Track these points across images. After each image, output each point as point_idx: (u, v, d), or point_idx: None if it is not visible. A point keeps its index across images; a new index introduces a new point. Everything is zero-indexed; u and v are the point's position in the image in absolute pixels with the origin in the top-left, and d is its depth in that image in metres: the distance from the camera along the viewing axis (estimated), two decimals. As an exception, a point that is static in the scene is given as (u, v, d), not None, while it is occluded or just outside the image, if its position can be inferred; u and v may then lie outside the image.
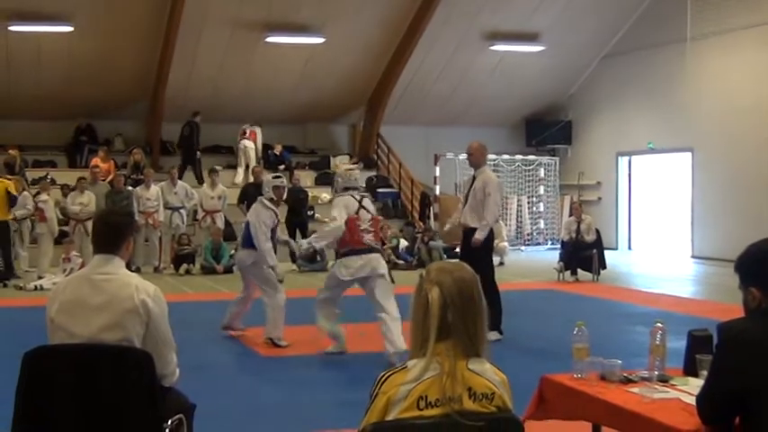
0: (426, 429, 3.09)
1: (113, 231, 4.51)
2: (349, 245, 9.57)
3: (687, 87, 22.22)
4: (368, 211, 9.73)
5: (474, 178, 11.05)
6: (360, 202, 9.75)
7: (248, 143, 23.79)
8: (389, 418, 3.12)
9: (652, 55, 23.54)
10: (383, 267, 9.58)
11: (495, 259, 20.66)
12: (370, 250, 9.57)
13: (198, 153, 23.13)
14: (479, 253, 10.47)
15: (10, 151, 21.03)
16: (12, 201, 17.06)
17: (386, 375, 3.18)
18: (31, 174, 21.60)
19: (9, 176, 18.46)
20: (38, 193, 18.18)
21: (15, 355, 4.20)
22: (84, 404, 4.08)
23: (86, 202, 18.00)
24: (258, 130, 24.18)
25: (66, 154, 23.67)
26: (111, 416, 4.10)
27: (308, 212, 20.99)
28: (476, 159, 11.08)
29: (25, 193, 17.87)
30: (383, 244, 9.70)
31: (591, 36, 24.85)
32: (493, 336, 10.23)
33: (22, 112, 22.82)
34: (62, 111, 22.86)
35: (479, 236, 10.54)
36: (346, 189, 9.89)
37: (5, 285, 16.44)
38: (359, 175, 10.61)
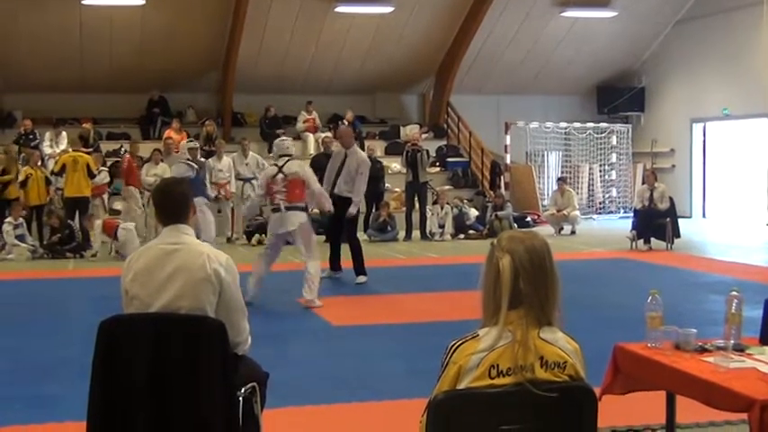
0: (498, 398, 3.08)
1: (176, 201, 4.54)
2: (270, 204, 11.29)
3: (763, 52, 21.75)
4: (285, 175, 10.98)
5: (346, 155, 12.98)
6: (280, 168, 11.08)
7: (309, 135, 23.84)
8: (461, 386, 3.12)
9: (727, 19, 23.07)
10: (292, 224, 10.90)
11: (567, 228, 20.76)
12: (286, 209, 10.93)
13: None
14: (351, 220, 12.83)
15: (84, 125, 21.36)
16: (91, 176, 17.58)
17: (457, 344, 3.17)
18: (106, 146, 21.94)
19: (84, 149, 18.80)
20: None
21: (94, 325, 4.26)
22: (157, 373, 4.12)
23: (161, 173, 18.22)
24: (315, 115, 24.18)
25: (140, 126, 23.94)
26: (185, 384, 4.14)
27: (384, 184, 21.04)
28: (345, 142, 13.36)
29: (104, 170, 18.29)
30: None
31: (664, 1, 24.41)
32: (360, 279, 12.91)
33: (95, 86, 23.11)
34: (135, 83, 23.12)
35: (353, 210, 12.73)
36: (280, 157, 11.32)
37: (82, 256, 16.76)
38: (291, 143, 11.81)
